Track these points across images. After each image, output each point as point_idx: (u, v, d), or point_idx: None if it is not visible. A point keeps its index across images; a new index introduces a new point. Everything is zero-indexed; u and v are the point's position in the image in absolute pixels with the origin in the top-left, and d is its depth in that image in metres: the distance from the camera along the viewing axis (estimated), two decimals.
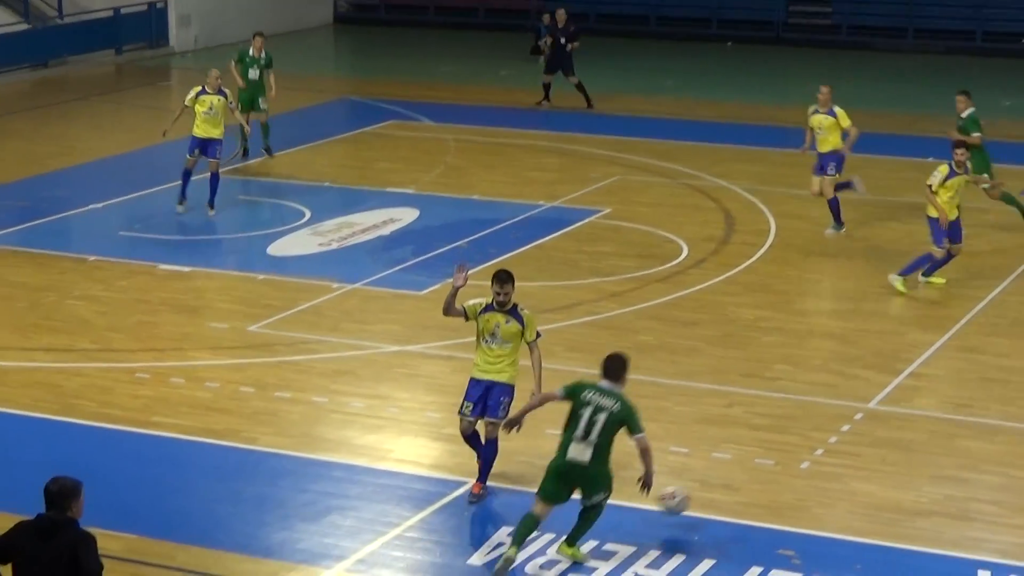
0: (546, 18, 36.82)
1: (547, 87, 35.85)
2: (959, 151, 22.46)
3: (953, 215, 22.35)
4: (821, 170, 25.31)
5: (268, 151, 30.32)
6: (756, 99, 37.94)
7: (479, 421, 15.58)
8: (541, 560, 14.49)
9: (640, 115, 35.49)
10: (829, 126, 25.26)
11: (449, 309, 15.48)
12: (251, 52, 30.30)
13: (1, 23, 41.25)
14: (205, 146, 26.26)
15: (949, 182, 22.17)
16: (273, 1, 46.18)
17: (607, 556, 14.58)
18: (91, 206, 27.34)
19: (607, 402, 13.91)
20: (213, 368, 19.36)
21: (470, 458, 16.26)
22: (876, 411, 18.15)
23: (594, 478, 14.06)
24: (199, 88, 26.65)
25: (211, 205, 26.41)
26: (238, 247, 24.98)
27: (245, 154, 30.25)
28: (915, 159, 30.67)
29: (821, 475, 16.46)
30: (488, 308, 15.43)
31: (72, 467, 13.67)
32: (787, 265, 23.25)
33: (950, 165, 22.33)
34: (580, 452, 13.87)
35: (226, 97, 26.64)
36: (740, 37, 46.25)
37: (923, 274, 22.46)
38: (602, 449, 13.92)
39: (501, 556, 13.87)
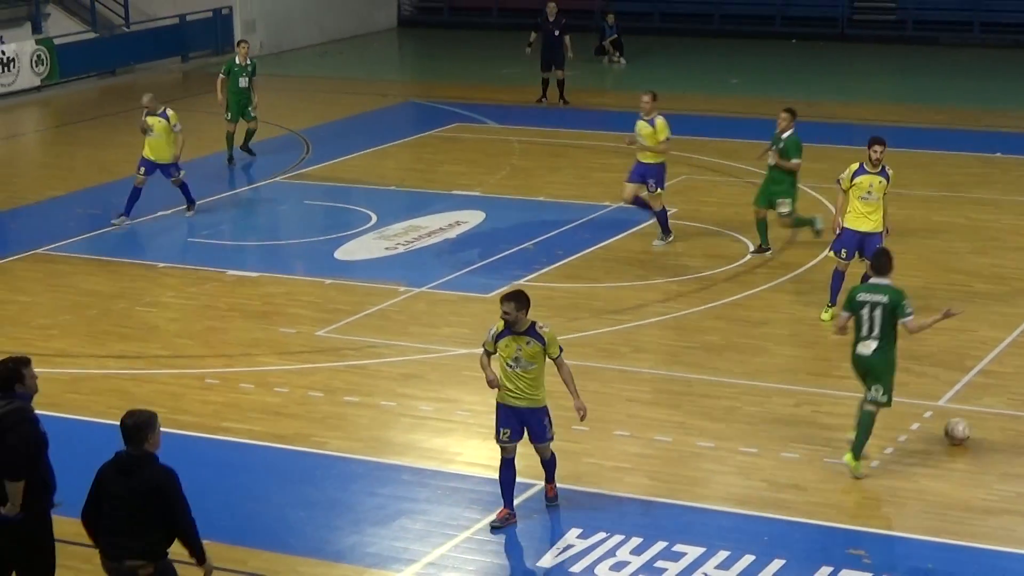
0: (610, 17, 36.61)
1: (545, 83, 35.92)
2: (877, 148, 20.12)
3: (861, 225, 20.36)
4: (640, 178, 23.99)
5: (249, 151, 30.92)
6: (820, 96, 37.72)
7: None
8: (611, 561, 14.51)
9: (705, 114, 35.38)
10: (647, 135, 23.81)
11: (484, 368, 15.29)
12: (237, 61, 30.19)
13: (69, 32, 41.58)
14: (156, 169, 26.31)
15: (857, 180, 20.16)
16: (337, 5, 46.29)
17: (676, 557, 14.57)
18: (159, 213, 27.52)
19: (879, 297, 15.84)
20: (282, 373, 19.45)
21: (537, 460, 16.28)
22: (945, 409, 18.06)
23: (878, 368, 16.02)
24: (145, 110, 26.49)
25: (189, 207, 27.14)
26: (306, 252, 25.03)
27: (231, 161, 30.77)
28: (982, 154, 30.54)
29: (890, 474, 16.41)
30: (504, 334, 14.92)
31: None
32: (854, 263, 23.12)
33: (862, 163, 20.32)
34: (865, 347, 15.95)
35: (168, 120, 26.10)
36: (804, 34, 45.98)
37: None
38: (884, 340, 15.91)
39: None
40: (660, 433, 17.20)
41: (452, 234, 25.75)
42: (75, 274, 24.12)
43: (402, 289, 22.72)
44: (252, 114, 30.18)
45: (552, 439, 15.22)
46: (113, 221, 26.24)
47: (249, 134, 30.41)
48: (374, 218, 26.61)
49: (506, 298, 14.89)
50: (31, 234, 26.30)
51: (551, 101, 36.12)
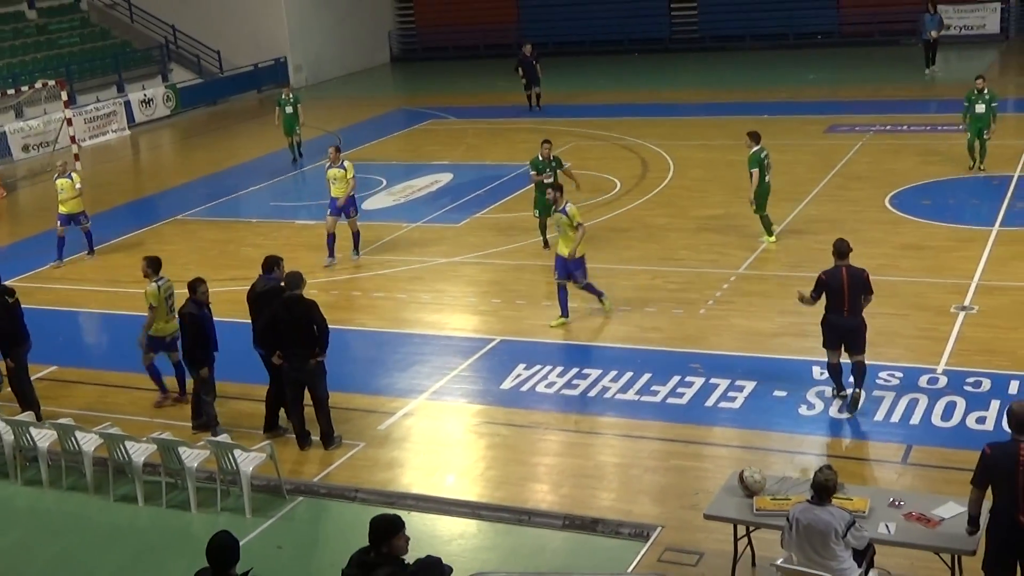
0: (527, 48, 35.19)
1: (529, 97, 33.85)
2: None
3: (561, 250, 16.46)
4: (338, 212, 20.42)
5: (299, 156, 29.46)
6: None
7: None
8: (545, 382, 14.65)
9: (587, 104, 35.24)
10: (340, 177, 20.28)
11: None
12: (283, 95, 29.44)
13: (186, 78, 41.15)
14: (71, 219, 22.01)
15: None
16: (350, 50, 45.80)
17: (585, 376, 14.72)
18: (250, 188, 27.39)
19: None
20: (335, 282, 19.48)
21: (499, 322, 16.38)
22: (743, 274, 18.26)
23: None
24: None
25: (90, 253, 22.33)
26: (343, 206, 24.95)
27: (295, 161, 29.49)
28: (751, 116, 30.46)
29: (713, 316, 16.62)
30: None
31: (247, 350, 13.91)
32: (685, 188, 23.13)
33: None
34: None
35: (71, 179, 21.92)
36: (640, 49, 45.17)
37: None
38: None
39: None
40: (571, 301, 17.31)
41: (433, 188, 25.69)
42: (199, 229, 24.06)
43: (404, 225, 22.75)
44: (297, 131, 29.20)
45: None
46: (55, 265, 21.83)
47: (297, 146, 29.33)
48: (384, 182, 26.55)
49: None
50: (171, 207, 26.16)
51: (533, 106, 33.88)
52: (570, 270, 16.42)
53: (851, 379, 13.26)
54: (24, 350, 14.57)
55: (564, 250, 16.31)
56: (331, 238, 20.46)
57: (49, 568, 11.46)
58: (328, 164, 20.70)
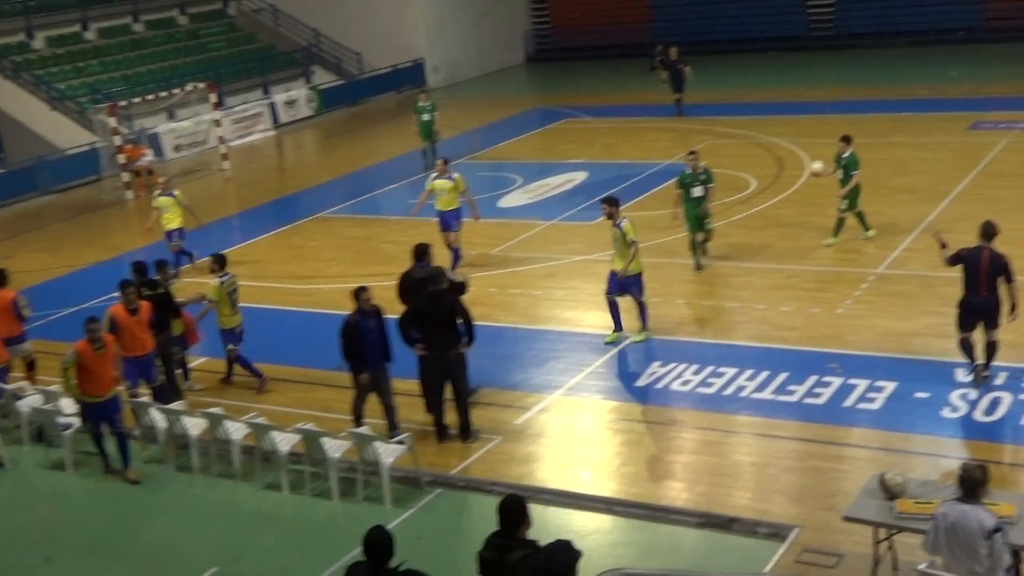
0: (661, 49, 34.65)
1: (678, 102, 32.39)
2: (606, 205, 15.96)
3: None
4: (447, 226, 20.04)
5: (431, 158, 28.30)
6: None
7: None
8: (680, 380, 14.54)
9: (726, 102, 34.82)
10: (448, 189, 19.83)
11: None
12: (419, 102, 28.66)
13: (327, 80, 41.91)
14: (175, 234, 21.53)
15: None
16: (486, 51, 46.08)
17: (720, 375, 14.57)
18: (389, 187, 27.77)
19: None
20: (474, 279, 19.52)
21: (634, 319, 16.31)
22: (884, 274, 17.85)
23: None
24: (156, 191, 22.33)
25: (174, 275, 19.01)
26: (482, 204, 25.01)
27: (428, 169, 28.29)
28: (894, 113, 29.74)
29: (851, 316, 16.29)
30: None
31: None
32: (820, 186, 22.61)
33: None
34: None
35: (174, 197, 21.66)
36: (776, 47, 44.44)
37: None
38: None
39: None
40: (706, 299, 17.21)
41: (568, 187, 25.71)
42: (341, 226, 24.51)
43: (539, 222, 22.81)
44: (433, 140, 28.65)
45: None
46: None
47: (432, 153, 28.30)
48: (519, 180, 26.67)
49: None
50: (314, 204, 26.71)
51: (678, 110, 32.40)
52: (625, 287, 15.85)
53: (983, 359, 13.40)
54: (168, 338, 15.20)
55: (618, 265, 15.77)
56: (454, 252, 20.00)
57: (199, 552, 11.80)
58: (434, 175, 20.26)
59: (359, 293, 13.42)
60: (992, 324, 13.20)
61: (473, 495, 12.36)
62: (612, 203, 15.82)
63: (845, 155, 18.92)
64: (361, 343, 13.31)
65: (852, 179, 18.82)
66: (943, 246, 13.41)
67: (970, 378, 13.56)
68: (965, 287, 13.23)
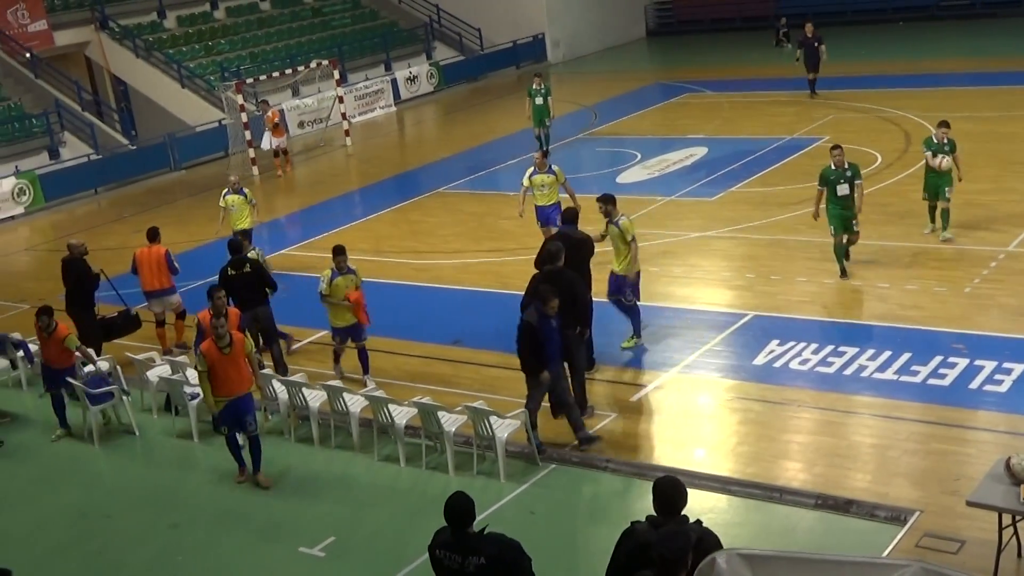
0: (807, 28, 30.56)
1: (812, 83, 30.49)
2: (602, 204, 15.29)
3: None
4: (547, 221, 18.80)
5: (546, 150, 26.64)
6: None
7: None
8: (799, 359, 14.31)
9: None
10: (549, 183, 18.69)
11: None
12: (533, 85, 27.31)
13: (448, 56, 42.08)
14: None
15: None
16: (608, 25, 45.75)
17: (840, 355, 14.29)
18: (508, 163, 27.79)
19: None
20: None
21: (753, 297, 16.06)
22: (1014, 252, 17.26)
23: None
24: (224, 190, 20.52)
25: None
26: (599, 180, 24.93)
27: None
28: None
29: (978, 295, 15.81)
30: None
31: (503, 319, 14.11)
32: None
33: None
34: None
35: (244, 195, 20.29)
36: (905, 17, 43.34)
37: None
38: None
39: None
40: (826, 277, 16.88)
41: (688, 162, 25.43)
42: (460, 202, 24.64)
43: (659, 198, 22.60)
44: (548, 123, 27.36)
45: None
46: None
47: (545, 138, 27.53)
48: (639, 156, 26.47)
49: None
50: (434, 180, 26.92)
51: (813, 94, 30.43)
52: (619, 288, 15.13)
53: None
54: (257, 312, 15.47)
55: (616, 265, 15.13)
56: None
57: (317, 523, 12.03)
58: (533, 170, 18.96)
59: (546, 299, 12.38)
60: None
61: (587, 471, 12.34)
62: (608, 201, 15.13)
63: (947, 140, 17.73)
64: (541, 343, 12.47)
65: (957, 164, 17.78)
66: None
67: None
68: None
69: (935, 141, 17.83)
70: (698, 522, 7.24)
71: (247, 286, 15.41)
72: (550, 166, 18.92)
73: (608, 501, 11.80)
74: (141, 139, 34.85)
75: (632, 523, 7.32)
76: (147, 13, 38.55)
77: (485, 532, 7.57)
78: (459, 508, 7.56)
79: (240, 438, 13.02)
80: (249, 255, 16.17)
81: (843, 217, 16.71)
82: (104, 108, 37.15)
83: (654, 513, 7.19)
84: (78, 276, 16.81)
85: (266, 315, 15.62)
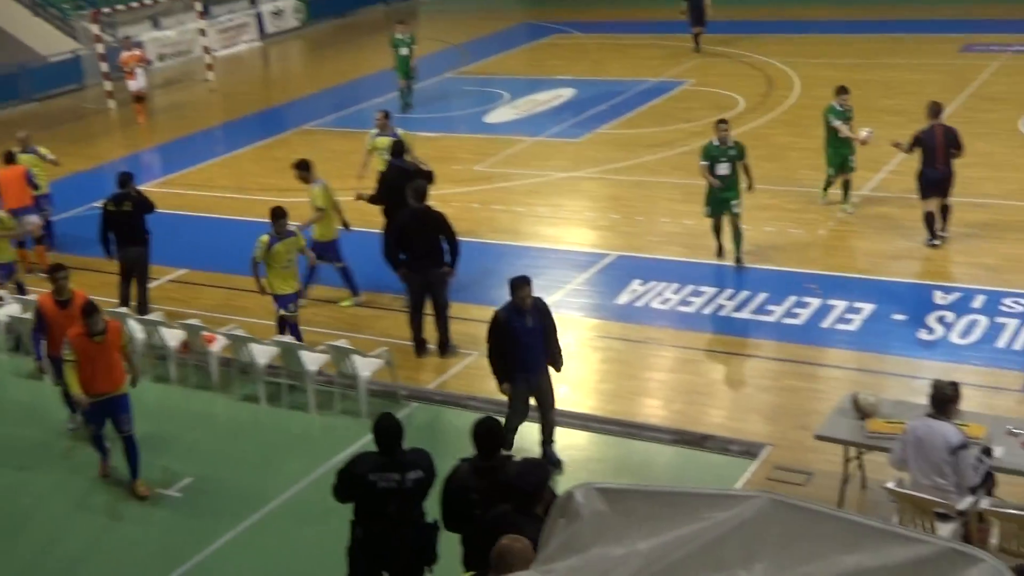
0: None
1: (696, 38, 29.29)
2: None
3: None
4: None
5: (410, 104, 25.41)
6: None
7: None
8: (660, 298, 14.54)
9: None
10: (386, 147, 16.45)
11: None
12: (397, 34, 25.77)
13: None
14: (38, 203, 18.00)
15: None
16: None
17: (700, 294, 14.60)
18: (375, 100, 27.29)
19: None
20: (455, 193, 19.41)
21: (616, 237, 16.24)
22: (867, 195, 17.77)
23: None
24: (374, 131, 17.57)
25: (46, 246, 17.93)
26: (466, 119, 24.90)
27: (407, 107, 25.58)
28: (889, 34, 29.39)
29: (832, 238, 16.29)
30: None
31: (368, 259, 14.02)
32: (809, 107, 22.54)
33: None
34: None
35: (37, 153, 18.36)
36: None
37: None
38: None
39: None
40: (687, 219, 17.14)
41: (555, 103, 25.49)
42: (325, 139, 24.26)
43: (526, 138, 22.65)
44: (412, 76, 25.89)
45: None
46: None
47: (409, 90, 26.06)
48: (507, 96, 26.44)
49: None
50: (297, 117, 26.49)
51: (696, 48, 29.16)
52: (323, 254, 14.89)
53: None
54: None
55: (315, 232, 15.01)
56: None
57: (181, 457, 11.87)
58: (375, 132, 17.21)
59: (517, 288, 10.70)
60: (946, 194, 15.21)
61: (450, 409, 12.41)
62: (303, 167, 15.19)
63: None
64: (515, 346, 10.69)
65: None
66: (897, 145, 15.52)
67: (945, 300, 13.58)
68: (923, 162, 15.14)
69: (839, 108, 16.66)
70: (512, 457, 7.77)
71: (126, 224, 15.03)
72: (394, 129, 17.14)
73: (469, 438, 11.84)
74: None
75: (458, 462, 7.79)
76: None
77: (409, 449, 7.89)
78: (393, 429, 7.81)
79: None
80: (397, 133, 16.62)
81: (719, 200, 15.24)
82: None
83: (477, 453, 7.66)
84: None
85: (141, 255, 15.21)
